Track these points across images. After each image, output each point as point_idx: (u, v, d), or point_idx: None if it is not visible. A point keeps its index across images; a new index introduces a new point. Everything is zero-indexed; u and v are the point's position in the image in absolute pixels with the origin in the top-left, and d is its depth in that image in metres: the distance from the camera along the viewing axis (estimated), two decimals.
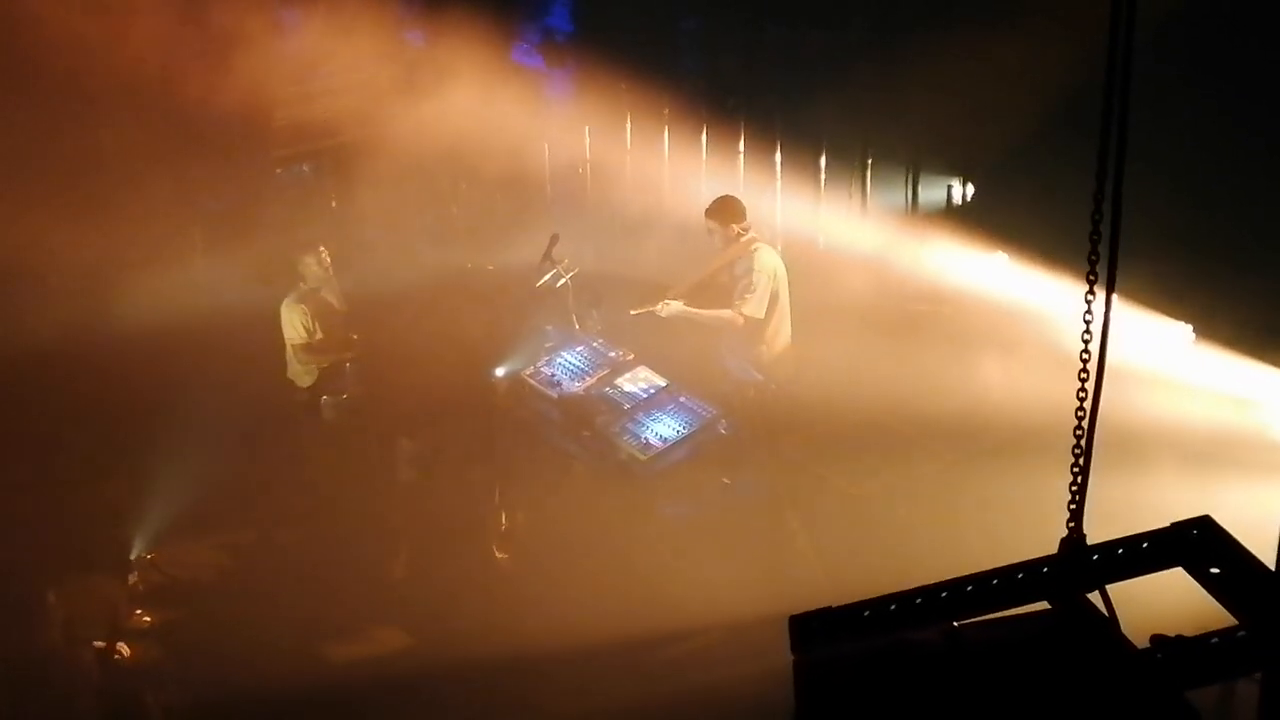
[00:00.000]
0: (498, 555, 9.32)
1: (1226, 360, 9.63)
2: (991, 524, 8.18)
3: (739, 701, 7.24)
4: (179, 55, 10.59)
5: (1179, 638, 2.93)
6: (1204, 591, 3.14)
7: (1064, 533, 3.27)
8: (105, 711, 7.99)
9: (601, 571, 8.71)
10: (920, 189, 12.79)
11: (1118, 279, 3.34)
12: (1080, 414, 3.38)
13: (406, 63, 11.80)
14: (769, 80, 13.02)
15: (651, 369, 9.34)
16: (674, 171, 12.45)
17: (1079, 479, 3.35)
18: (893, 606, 3.14)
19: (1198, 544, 3.20)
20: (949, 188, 12.79)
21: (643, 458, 8.72)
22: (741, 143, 12.53)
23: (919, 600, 3.14)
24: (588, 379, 9.29)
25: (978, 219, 11.78)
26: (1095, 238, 3.35)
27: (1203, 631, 2.93)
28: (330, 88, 12.28)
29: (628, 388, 9.22)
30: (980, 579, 3.17)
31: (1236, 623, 2.98)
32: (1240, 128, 10.49)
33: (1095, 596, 3.17)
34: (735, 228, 9.50)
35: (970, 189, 12.71)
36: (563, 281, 9.64)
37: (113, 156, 10.51)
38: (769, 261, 9.49)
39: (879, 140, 12.67)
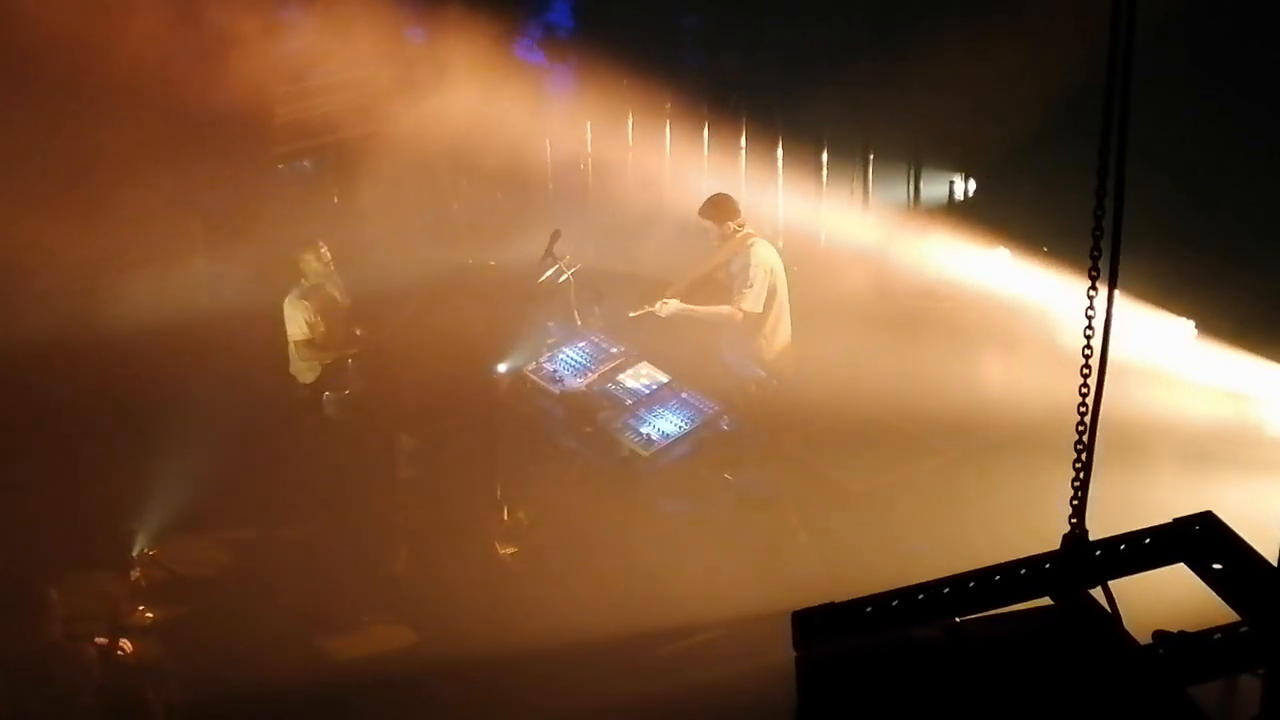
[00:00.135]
0: (499, 551, 9.31)
1: (1228, 356, 9.63)
2: (993, 520, 8.17)
3: (741, 697, 7.24)
4: (179, 54, 10.58)
5: (1181, 633, 2.93)
6: (1206, 587, 3.14)
7: (1066, 529, 3.27)
8: (107, 707, 7.98)
9: (603, 568, 8.71)
10: (922, 185, 12.81)
11: (1119, 275, 3.34)
12: (1082, 410, 3.38)
13: (408, 59, 11.79)
14: (770, 77, 13.01)
15: (653, 365, 9.34)
16: (675, 168, 12.45)
17: (1081, 475, 3.36)
18: (895, 602, 3.15)
19: (1200, 540, 3.21)
20: (950, 183, 12.80)
21: (645, 454, 8.72)
22: (743, 139, 12.53)
23: (921, 596, 3.15)
24: (589, 375, 9.29)
25: (979, 215, 11.78)
26: (1097, 234, 3.35)
27: (1205, 627, 2.93)
28: (332, 84, 12.28)
29: (630, 384, 9.21)
30: (982, 575, 3.18)
31: (1239, 618, 2.99)
32: (1240, 127, 10.50)
33: (1098, 592, 3.18)
34: (730, 225, 9.53)
35: (972, 185, 12.72)
36: (564, 278, 9.64)
37: (113, 155, 10.49)
38: (765, 256, 9.51)
39: (880, 136, 12.67)
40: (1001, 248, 11.12)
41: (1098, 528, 3.27)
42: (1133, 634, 3.05)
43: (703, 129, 12.65)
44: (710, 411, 8.99)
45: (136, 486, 9.80)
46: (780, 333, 9.63)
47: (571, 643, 8.17)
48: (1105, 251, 3.37)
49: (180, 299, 10.79)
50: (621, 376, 9.27)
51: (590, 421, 9.01)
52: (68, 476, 9.86)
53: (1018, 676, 2.97)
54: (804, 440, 9.33)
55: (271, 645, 8.47)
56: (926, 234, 11.52)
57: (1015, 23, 11.05)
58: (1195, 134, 10.46)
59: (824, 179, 12.59)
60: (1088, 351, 3.38)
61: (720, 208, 9.60)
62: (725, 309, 9.49)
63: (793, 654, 3.10)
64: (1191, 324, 9.95)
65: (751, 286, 9.40)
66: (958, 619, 3.12)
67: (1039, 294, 10.35)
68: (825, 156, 12.57)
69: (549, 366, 9.40)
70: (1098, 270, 3.39)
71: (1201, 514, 3.25)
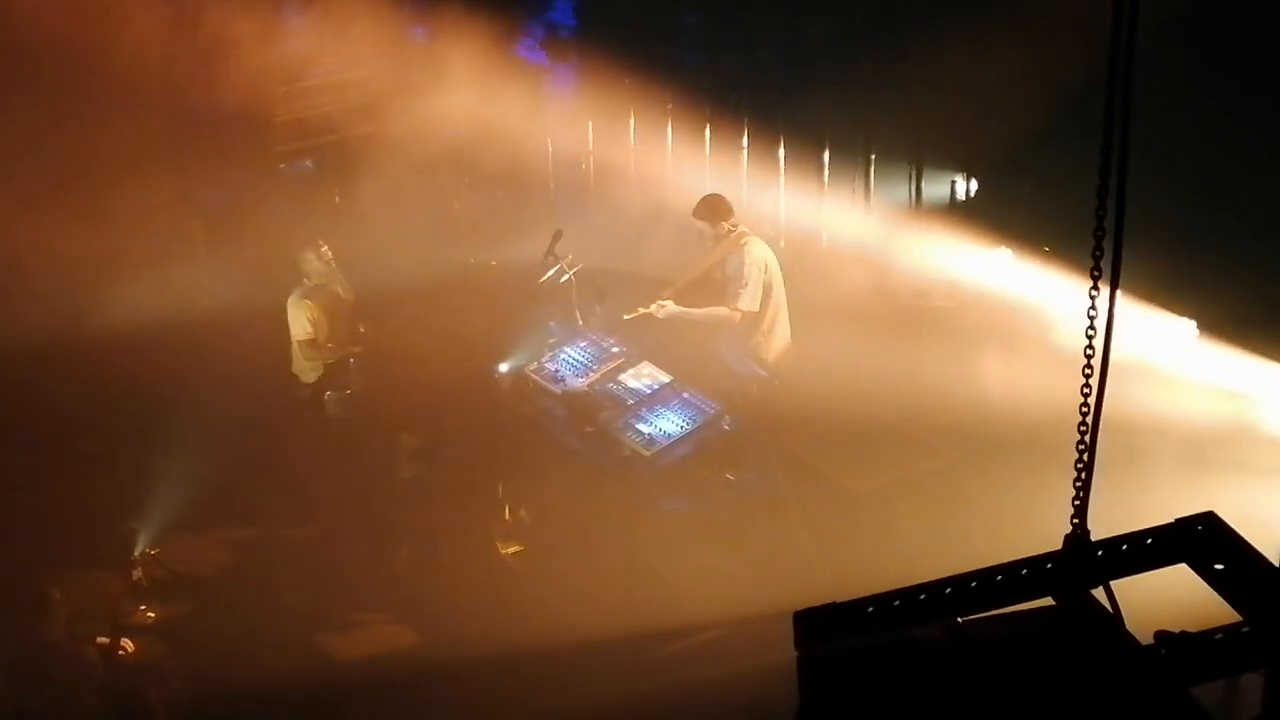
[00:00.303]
0: (501, 551, 9.31)
1: (1229, 356, 9.63)
2: (995, 520, 8.17)
3: (743, 697, 7.24)
4: (180, 53, 10.58)
5: (1183, 634, 2.93)
6: (1208, 587, 3.14)
7: (1068, 529, 3.26)
8: (108, 707, 7.99)
9: (605, 568, 8.72)
10: (923, 184, 12.79)
11: (1121, 275, 3.34)
12: (1084, 410, 3.37)
13: (409, 59, 11.79)
14: (772, 76, 13.01)
15: (655, 365, 9.34)
16: (677, 167, 12.44)
17: (1083, 475, 3.35)
18: (897, 602, 3.15)
19: (1202, 540, 3.21)
20: (952, 183, 12.80)
21: (646, 454, 8.72)
22: (744, 138, 12.53)
23: (923, 596, 3.14)
24: (591, 375, 9.29)
25: (981, 214, 11.78)
26: (1099, 234, 3.35)
27: (1207, 627, 2.93)
28: (333, 84, 12.29)
29: (631, 384, 9.21)
30: (984, 575, 3.17)
31: (1240, 619, 2.98)
32: (1240, 127, 10.50)
33: (1099, 593, 3.17)
34: (724, 224, 9.55)
35: (973, 184, 12.71)
36: (566, 277, 9.64)
37: (113, 155, 10.49)
38: (760, 254, 9.52)
39: (882, 136, 12.67)
40: (1003, 248, 11.12)
41: (1099, 528, 3.26)
42: (1135, 634, 3.05)
43: (704, 128, 12.64)
44: (712, 411, 8.99)
45: (138, 486, 9.80)
46: (778, 330, 9.64)
47: (573, 642, 8.17)
48: (1107, 251, 3.37)
49: (181, 298, 10.79)
50: (623, 376, 9.27)
51: (592, 421, 9.01)
52: (69, 476, 9.87)
53: (1020, 677, 2.97)
54: (805, 440, 9.33)
55: (273, 645, 8.48)
56: (928, 234, 11.52)
57: (1016, 22, 11.05)
58: (1195, 134, 10.46)
59: (825, 178, 12.58)
60: (1089, 351, 3.38)
61: (714, 208, 9.61)
62: (722, 309, 9.51)
63: (794, 654, 3.09)
64: (1193, 324, 9.95)
65: (746, 285, 9.41)
66: (959, 619, 3.12)
67: (1040, 294, 10.35)
68: (827, 156, 12.56)
69: (550, 366, 9.40)
70: (1099, 270, 3.39)
71: (1203, 514, 3.25)
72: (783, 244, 11.58)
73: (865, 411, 9.43)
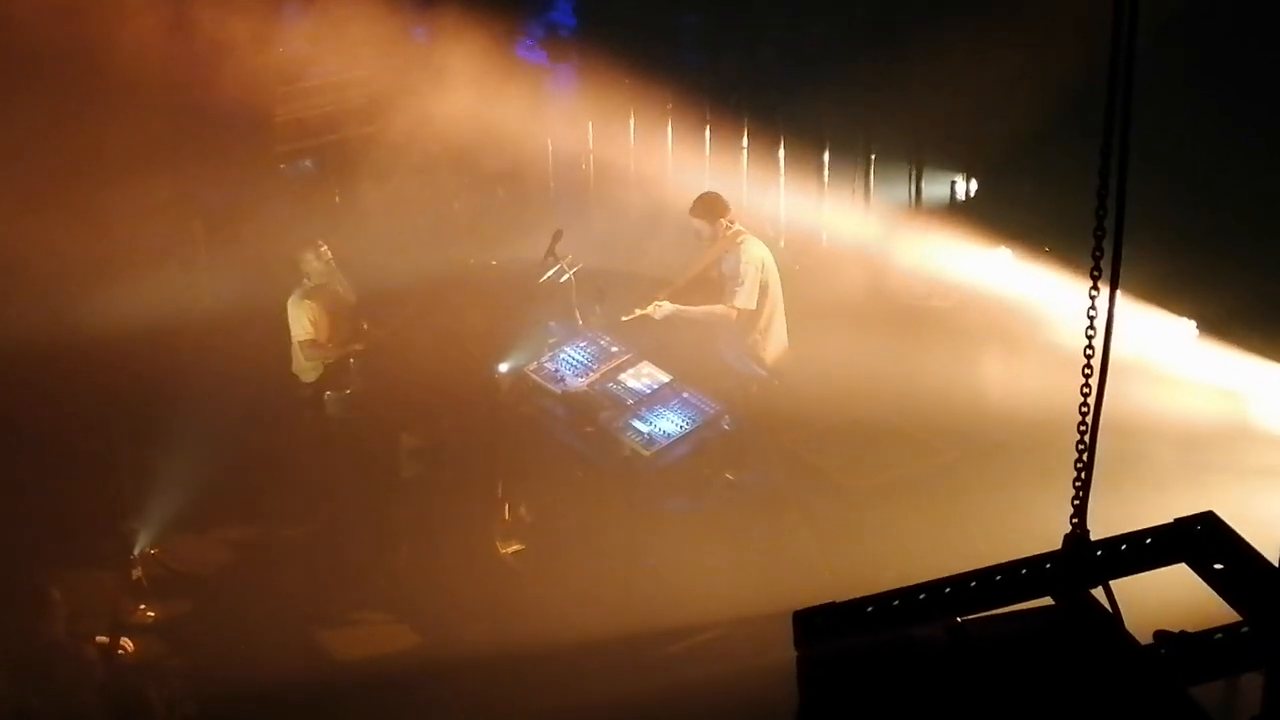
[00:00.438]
0: (501, 551, 9.31)
1: (1228, 355, 9.64)
2: (995, 520, 8.17)
3: (743, 697, 7.24)
4: (180, 53, 10.59)
5: (1182, 634, 2.93)
6: (1207, 587, 3.14)
7: (1067, 528, 3.27)
8: (108, 706, 7.99)
9: (604, 567, 8.72)
10: (923, 184, 12.79)
11: (1121, 274, 3.34)
12: (1084, 410, 3.37)
13: (409, 58, 11.79)
14: (772, 76, 13.01)
15: (655, 365, 9.34)
16: (677, 167, 12.44)
17: (1083, 475, 3.35)
18: (896, 602, 3.15)
19: (1201, 540, 3.21)
20: (952, 183, 12.79)
21: (646, 453, 8.72)
22: (744, 138, 12.53)
23: (923, 596, 3.15)
24: (591, 374, 9.29)
25: (980, 214, 11.78)
26: (1099, 233, 3.35)
27: (1206, 627, 2.93)
28: (333, 84, 12.29)
29: (631, 383, 9.21)
30: (984, 575, 3.17)
31: (1240, 619, 2.98)
32: (1240, 127, 10.51)
33: (1099, 592, 3.17)
34: (721, 223, 9.54)
35: (973, 184, 12.71)
36: (566, 277, 9.64)
37: (113, 154, 10.49)
38: (757, 253, 9.53)
39: (882, 136, 12.66)
40: (1003, 247, 11.12)
41: (1098, 527, 3.27)
42: (1134, 634, 3.05)
43: (704, 128, 12.64)
44: (711, 411, 8.99)
45: (138, 485, 9.81)
46: (775, 329, 9.64)
47: (572, 641, 8.18)
48: (1107, 251, 3.37)
49: (181, 298, 10.80)
50: (623, 376, 9.27)
51: (592, 421, 9.01)
52: (69, 475, 9.88)
53: (1019, 676, 2.97)
54: (805, 440, 9.34)
55: (272, 644, 8.48)
56: (928, 234, 11.52)
57: (1016, 22, 11.05)
58: (1195, 134, 10.46)
59: (825, 178, 12.58)
60: (1089, 351, 3.38)
61: (711, 206, 9.61)
62: (719, 308, 9.51)
63: (794, 653, 3.09)
64: (1193, 324, 9.95)
65: (744, 284, 9.42)
66: (959, 618, 3.12)
67: (1040, 294, 10.35)
68: (827, 156, 12.55)
69: (550, 366, 9.40)
70: (1099, 270, 3.39)
71: (1202, 514, 3.25)
72: (783, 244, 11.59)
73: (865, 411, 9.44)
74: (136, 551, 9.36)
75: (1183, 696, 2.87)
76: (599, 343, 9.53)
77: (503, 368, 9.54)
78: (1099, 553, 3.22)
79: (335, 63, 12.00)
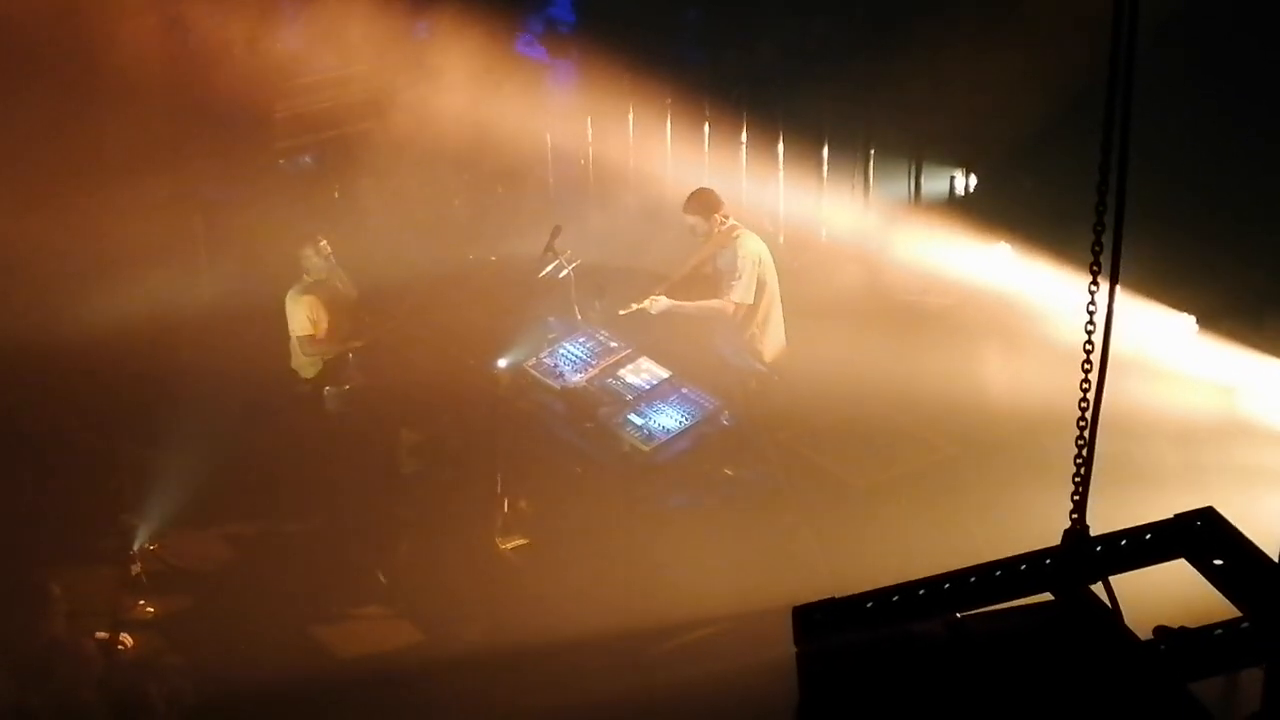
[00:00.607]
0: (500, 546, 9.31)
1: (1228, 351, 9.64)
2: (994, 515, 8.18)
3: (742, 692, 7.23)
4: (180, 50, 10.59)
5: (1182, 629, 2.93)
6: (1207, 583, 3.15)
7: (1067, 524, 3.27)
8: (108, 702, 7.99)
9: (604, 564, 8.72)
10: (923, 180, 12.79)
11: (1120, 270, 3.34)
12: (1083, 405, 3.38)
13: (409, 54, 11.79)
14: (771, 72, 13.00)
15: (654, 360, 9.34)
16: (676, 163, 12.44)
17: (1082, 470, 3.36)
18: (896, 598, 3.15)
19: (1201, 535, 3.21)
20: (951, 179, 12.79)
21: (645, 449, 8.72)
22: (744, 134, 12.53)
23: (922, 591, 3.15)
24: (590, 370, 9.29)
25: (980, 210, 11.78)
26: (1099, 229, 3.35)
27: (1206, 623, 2.93)
28: (333, 79, 12.27)
29: (630, 379, 9.21)
30: (983, 570, 3.18)
31: (1239, 614, 2.99)
32: (1240, 126, 10.51)
33: (1099, 588, 3.18)
34: (716, 218, 9.54)
35: (973, 180, 12.70)
36: (565, 273, 9.64)
37: (113, 152, 10.50)
38: (753, 247, 9.53)
39: (881, 131, 12.66)
40: (1002, 243, 11.12)
41: (1098, 523, 3.27)
42: (1134, 629, 3.05)
43: (703, 124, 12.64)
44: (711, 407, 8.99)
45: (137, 481, 9.81)
46: (773, 323, 9.64)
47: (572, 638, 8.18)
48: (1106, 247, 3.37)
49: (181, 294, 10.79)
50: (622, 372, 9.27)
51: (591, 417, 9.01)
52: (69, 472, 9.87)
53: (1019, 672, 2.97)
54: (804, 436, 9.33)
55: (272, 640, 8.48)
56: (927, 229, 11.52)
57: (1017, 20, 11.05)
58: (1195, 134, 10.46)
59: (825, 174, 12.58)
60: (1089, 347, 3.38)
61: (706, 202, 9.61)
62: (716, 302, 9.51)
63: (793, 649, 3.10)
64: (1192, 319, 9.96)
65: (741, 278, 9.42)
66: (959, 614, 3.12)
67: (1040, 289, 10.35)
68: (826, 152, 12.55)
69: (549, 361, 9.40)
70: (1099, 266, 3.39)
71: (1202, 510, 3.25)
72: (782, 239, 11.60)
73: (864, 407, 9.44)
74: (136, 547, 9.35)
75: (1182, 692, 2.87)
76: (598, 338, 9.53)
77: (502, 363, 9.53)
78: (1099, 548, 3.22)
79: (335, 58, 11.99)
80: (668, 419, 8.88)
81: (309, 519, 9.79)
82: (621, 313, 9.48)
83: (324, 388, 10.08)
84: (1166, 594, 3.81)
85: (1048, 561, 3.21)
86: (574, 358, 9.40)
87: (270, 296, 10.24)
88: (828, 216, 12.30)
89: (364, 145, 12.13)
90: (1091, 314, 3.37)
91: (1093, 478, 3.34)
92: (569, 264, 9.63)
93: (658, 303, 9.46)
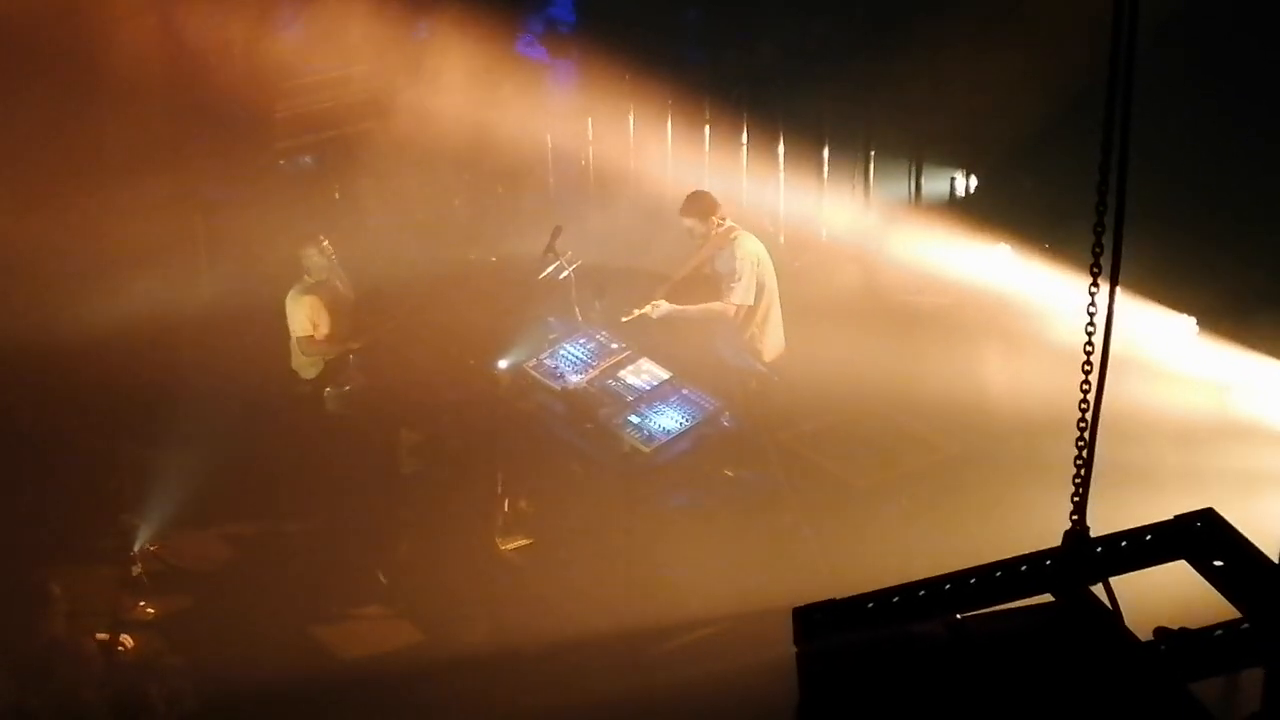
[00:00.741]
0: (501, 547, 9.31)
1: (1229, 353, 9.64)
2: (995, 516, 8.18)
3: (742, 693, 7.24)
4: (180, 50, 10.58)
5: (1182, 630, 2.93)
6: (1207, 584, 3.14)
7: (1067, 525, 3.27)
8: (108, 702, 8.00)
9: (604, 564, 8.72)
10: (923, 181, 12.78)
11: (1121, 270, 3.34)
12: (1083, 406, 3.37)
13: (410, 54, 11.79)
14: (772, 72, 13.00)
15: (654, 361, 9.34)
16: (677, 163, 12.44)
17: (1082, 471, 3.35)
18: (896, 598, 3.15)
19: (1201, 536, 3.21)
20: (952, 179, 12.78)
21: (646, 450, 8.72)
22: (744, 134, 12.53)
23: (922, 592, 3.15)
24: (591, 371, 9.29)
25: (980, 211, 11.78)
26: (1099, 229, 3.35)
27: (1206, 624, 2.93)
28: (333, 79, 12.27)
29: (631, 380, 9.21)
30: (983, 571, 3.17)
31: (1240, 615, 2.98)
32: (1240, 126, 10.51)
33: (1099, 589, 3.18)
34: (713, 219, 9.54)
35: (973, 181, 12.70)
36: (565, 273, 9.64)
37: (114, 152, 10.50)
38: (752, 248, 9.53)
39: (882, 132, 12.66)
40: (1003, 244, 11.12)
41: (1098, 524, 3.27)
42: (1134, 630, 3.05)
43: (703, 124, 12.64)
44: (711, 408, 8.99)
45: (137, 481, 9.81)
46: (772, 322, 9.64)
47: (572, 638, 8.18)
48: (1107, 248, 3.37)
49: (181, 294, 10.79)
50: (622, 373, 9.27)
51: (591, 418, 9.01)
52: (68, 471, 9.87)
53: (1019, 673, 2.97)
54: (805, 436, 9.34)
55: (272, 640, 8.49)
56: (928, 230, 11.52)
57: (1017, 20, 11.05)
58: (1195, 134, 10.46)
59: (825, 175, 12.58)
60: (1089, 348, 3.38)
61: (702, 204, 9.61)
62: (717, 305, 9.51)
63: (794, 650, 3.10)
64: (1192, 320, 9.95)
65: (740, 279, 9.43)
66: (959, 615, 3.12)
67: (1040, 290, 10.35)
68: (826, 152, 12.55)
69: (550, 362, 9.40)
70: (1099, 267, 3.39)
71: (1202, 511, 3.25)
72: (782, 240, 11.60)
73: (865, 407, 9.45)
74: (136, 548, 9.36)
75: (1183, 693, 2.87)
76: (598, 339, 9.53)
77: (502, 364, 9.53)
78: (1099, 549, 3.22)
79: (335, 58, 11.99)
80: (668, 420, 8.88)
81: (309, 519, 9.79)
82: (624, 319, 9.48)
83: (324, 388, 10.07)
84: (1166, 595, 3.81)
85: (1048, 562, 3.21)
86: (574, 359, 9.39)
87: (270, 297, 10.24)
88: (828, 217, 12.30)
89: (364, 145, 12.12)
90: (1092, 315, 3.37)
91: (1093, 479, 3.33)
92: (569, 265, 9.63)
93: (659, 308, 9.46)
